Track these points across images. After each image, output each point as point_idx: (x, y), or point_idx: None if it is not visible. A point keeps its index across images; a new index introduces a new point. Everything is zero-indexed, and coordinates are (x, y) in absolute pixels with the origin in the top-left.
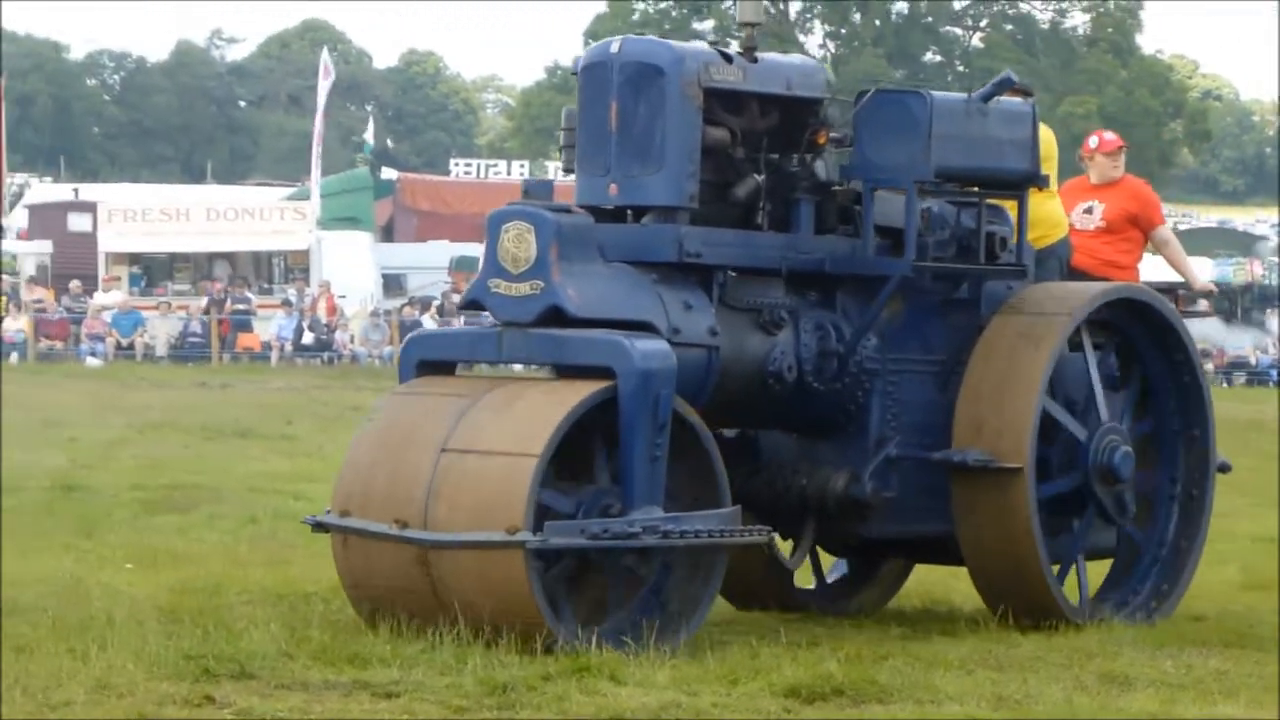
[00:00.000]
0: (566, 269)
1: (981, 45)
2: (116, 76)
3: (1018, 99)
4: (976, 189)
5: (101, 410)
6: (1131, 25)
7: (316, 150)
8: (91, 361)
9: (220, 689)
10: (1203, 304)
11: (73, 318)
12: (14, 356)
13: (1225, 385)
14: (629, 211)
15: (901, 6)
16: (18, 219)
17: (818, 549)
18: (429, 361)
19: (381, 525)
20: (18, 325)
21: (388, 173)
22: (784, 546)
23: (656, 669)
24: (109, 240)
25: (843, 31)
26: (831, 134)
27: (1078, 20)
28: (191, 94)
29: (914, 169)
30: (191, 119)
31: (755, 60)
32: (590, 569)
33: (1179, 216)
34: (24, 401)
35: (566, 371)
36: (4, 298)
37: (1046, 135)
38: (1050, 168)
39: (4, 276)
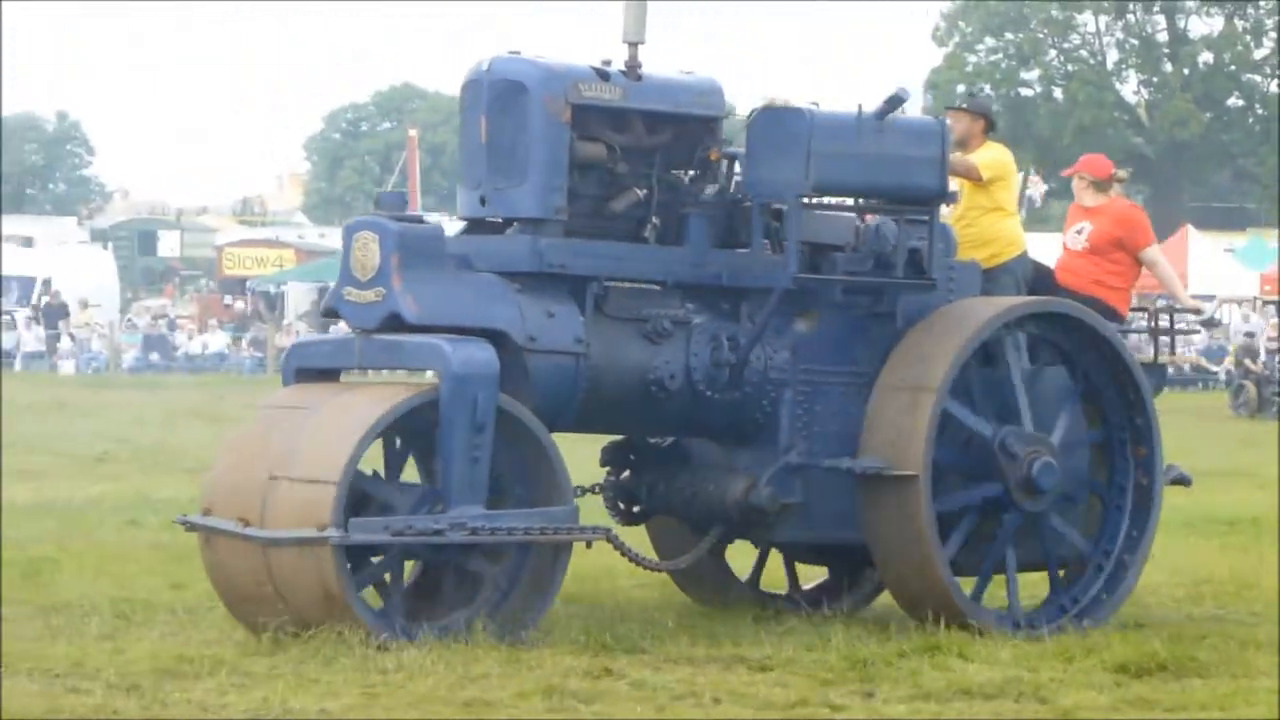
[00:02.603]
0: (409, 277)
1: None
2: None
3: (941, 118)
4: (894, 206)
5: None
6: None
7: None
8: None
9: (617, 662)
10: (1191, 320)
11: None
12: None
13: None
14: (515, 224)
15: (1207, 56)
16: None
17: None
18: (304, 369)
19: (229, 523)
20: None
21: None
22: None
23: (1000, 648)
24: None
25: (1154, 80)
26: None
27: None
28: None
29: (795, 185)
30: None
31: (639, 79)
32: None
33: None
34: None
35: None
36: None
37: (1003, 155)
38: (1006, 187)
39: None
